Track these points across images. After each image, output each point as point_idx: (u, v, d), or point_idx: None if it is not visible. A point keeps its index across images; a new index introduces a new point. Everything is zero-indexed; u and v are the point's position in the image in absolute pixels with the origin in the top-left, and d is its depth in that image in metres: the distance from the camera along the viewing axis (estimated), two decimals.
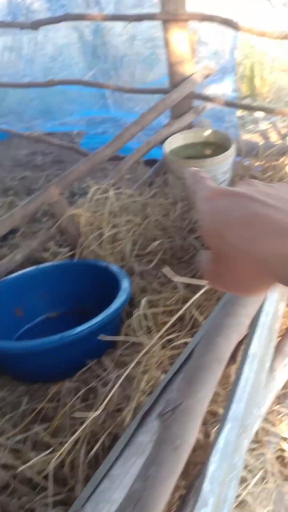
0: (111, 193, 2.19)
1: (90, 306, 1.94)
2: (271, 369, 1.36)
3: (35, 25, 3.07)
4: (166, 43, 2.47)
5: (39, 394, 1.58)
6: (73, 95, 5.21)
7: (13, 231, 2.81)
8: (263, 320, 1.13)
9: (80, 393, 1.48)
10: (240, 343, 1.08)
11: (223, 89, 3.69)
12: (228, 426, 0.97)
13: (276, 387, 1.35)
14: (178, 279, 0.88)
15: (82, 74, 5.27)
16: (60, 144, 3.45)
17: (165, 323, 1.73)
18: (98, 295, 1.90)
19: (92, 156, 2.22)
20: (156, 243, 2.03)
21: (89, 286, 1.98)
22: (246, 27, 2.06)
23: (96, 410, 1.38)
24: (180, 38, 2.43)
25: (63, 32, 5.82)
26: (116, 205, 2.20)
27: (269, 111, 2.35)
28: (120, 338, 1.40)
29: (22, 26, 3.17)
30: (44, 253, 2.33)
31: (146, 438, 1.00)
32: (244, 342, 1.10)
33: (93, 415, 0.88)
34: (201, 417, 0.76)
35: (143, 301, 1.68)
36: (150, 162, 3.00)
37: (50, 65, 5.94)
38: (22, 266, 2.24)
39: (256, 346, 1.08)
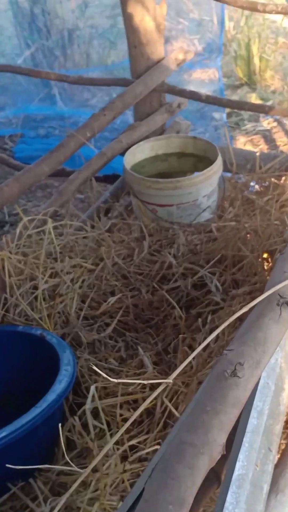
0: (50, 226, 2.17)
1: (22, 392, 1.88)
2: (275, 490, 1.32)
3: None
4: (125, 18, 2.53)
5: None
6: (5, 82, 5.25)
7: None
8: (254, 424, 1.10)
9: None
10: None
11: (210, 74, 3.78)
12: None
13: None
14: (119, 380, 0.85)
15: (16, 53, 5.33)
16: None
17: (126, 420, 1.69)
18: (32, 376, 1.85)
19: (21, 175, 2.21)
20: (114, 299, 2.00)
21: (17, 363, 1.93)
22: None
23: None
24: (143, 11, 2.48)
25: None
26: (57, 244, 2.18)
27: (266, 110, 2.39)
28: (43, 466, 1.33)
29: None
30: None
31: None
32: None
33: None
34: None
35: (93, 389, 1.64)
36: (110, 179, 3.00)
37: None
38: None
39: (243, 466, 1.05)
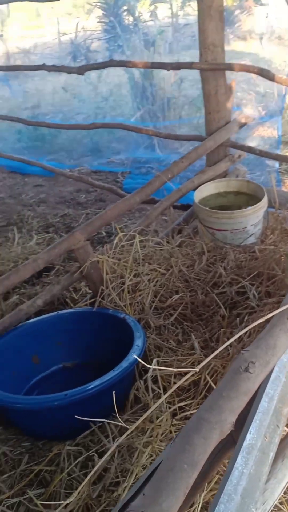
0: (137, 240, 2.18)
1: (107, 359, 1.90)
2: (282, 456, 1.24)
3: (81, 70, 3.20)
4: (203, 92, 2.49)
5: (41, 454, 1.54)
6: (122, 134, 5.36)
7: (48, 269, 2.88)
8: (265, 406, 1.04)
9: (79, 459, 1.43)
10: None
11: (269, 132, 3.64)
12: None
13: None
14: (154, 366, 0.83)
15: (131, 114, 5.43)
16: (100, 185, 3.52)
17: (178, 387, 1.66)
18: (115, 348, 1.86)
19: (120, 203, 2.23)
20: (177, 296, 1.97)
21: (105, 337, 1.95)
22: (282, 78, 2.03)
23: (91, 481, 1.33)
24: (217, 87, 2.43)
25: (115, 73, 6.06)
26: (141, 253, 2.18)
27: None
28: (103, 421, 1.33)
29: (69, 71, 3.32)
30: (75, 293, 2.33)
31: None
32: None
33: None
34: None
35: (155, 362, 1.62)
36: (185, 207, 2.97)
37: (102, 104, 6.18)
38: (52, 304, 2.26)
39: (253, 438, 0.99)
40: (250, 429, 1.00)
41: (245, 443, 0.98)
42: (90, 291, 2.30)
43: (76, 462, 1.44)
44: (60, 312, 2.07)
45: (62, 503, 1.33)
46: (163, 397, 1.03)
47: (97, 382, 1.54)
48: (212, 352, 1.71)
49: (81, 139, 5.66)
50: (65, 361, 2.01)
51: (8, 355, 1.88)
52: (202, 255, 2.18)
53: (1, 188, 4.79)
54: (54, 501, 1.36)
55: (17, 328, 1.96)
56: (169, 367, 1.69)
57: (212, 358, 1.70)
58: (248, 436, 0.99)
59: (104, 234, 3.39)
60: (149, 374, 1.59)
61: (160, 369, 1.51)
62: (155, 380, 1.64)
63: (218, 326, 1.82)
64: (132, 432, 1.48)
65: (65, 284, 2.10)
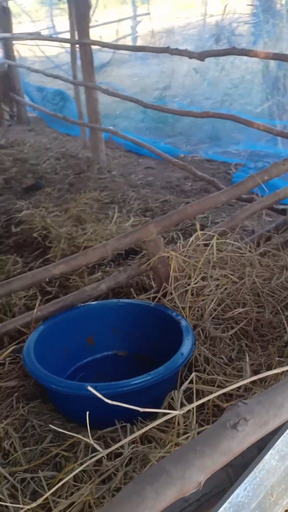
0: (214, 241, 2.05)
1: (157, 355, 1.85)
2: None
3: (202, 56, 3.08)
4: None
5: (65, 437, 1.55)
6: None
7: (136, 252, 2.89)
8: (272, 464, 0.89)
9: (94, 454, 1.41)
10: None
11: None
12: None
13: None
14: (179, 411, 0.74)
15: (259, 104, 5.12)
16: (202, 176, 3.39)
17: (216, 406, 1.54)
18: (165, 347, 1.79)
19: (203, 200, 2.11)
20: (242, 309, 1.81)
21: (158, 334, 1.89)
22: None
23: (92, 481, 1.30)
24: None
25: (250, 59, 5.74)
26: (215, 256, 2.04)
27: None
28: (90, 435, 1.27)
29: (190, 56, 3.21)
30: (154, 282, 2.28)
31: None
32: None
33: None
34: None
35: (193, 375, 1.52)
36: (284, 212, 2.72)
37: (231, 91, 5.94)
38: (130, 286, 2.25)
39: (247, 496, 0.85)
40: (246, 485, 0.86)
41: (235, 499, 0.85)
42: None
43: (91, 455, 1.42)
44: (122, 300, 2.06)
45: (67, 493, 1.33)
46: (155, 423, 0.94)
47: (129, 382, 1.49)
48: (261, 380, 1.55)
49: (201, 125, 5.51)
50: (118, 349, 2.00)
51: (65, 331, 1.93)
52: (284, 270, 1.97)
53: (116, 165, 4.90)
54: (62, 488, 1.36)
55: (79, 307, 2.00)
56: (211, 383, 1.57)
57: (262, 387, 1.55)
58: (242, 492, 0.86)
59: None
60: (182, 387, 1.49)
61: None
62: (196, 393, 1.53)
63: (278, 352, 1.64)
64: (150, 442, 1.42)
65: (132, 274, 2.07)
